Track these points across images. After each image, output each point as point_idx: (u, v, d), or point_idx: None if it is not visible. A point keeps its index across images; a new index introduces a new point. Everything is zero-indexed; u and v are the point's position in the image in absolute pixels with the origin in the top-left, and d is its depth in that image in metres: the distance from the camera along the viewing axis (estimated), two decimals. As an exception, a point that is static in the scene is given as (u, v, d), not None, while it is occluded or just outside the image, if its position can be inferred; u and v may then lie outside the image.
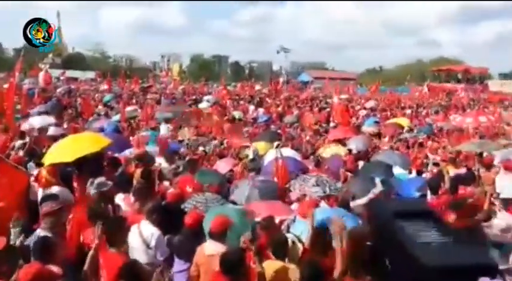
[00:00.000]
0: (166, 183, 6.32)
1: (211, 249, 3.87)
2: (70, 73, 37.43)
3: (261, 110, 21.02)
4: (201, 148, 10.38)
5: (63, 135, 8.34)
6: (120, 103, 18.61)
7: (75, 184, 5.48)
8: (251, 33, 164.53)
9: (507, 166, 7.82)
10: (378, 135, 14.20)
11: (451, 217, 4.96)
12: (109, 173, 5.96)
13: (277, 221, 4.89)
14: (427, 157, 10.22)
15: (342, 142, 11.70)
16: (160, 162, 7.76)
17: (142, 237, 4.16)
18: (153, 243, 4.15)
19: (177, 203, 5.16)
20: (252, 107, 22.28)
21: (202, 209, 5.04)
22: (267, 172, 8.00)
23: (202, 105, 21.59)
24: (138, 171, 6.08)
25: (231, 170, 8.29)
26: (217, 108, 19.55)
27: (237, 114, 18.97)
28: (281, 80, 42.93)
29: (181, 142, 11.51)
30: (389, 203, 1.28)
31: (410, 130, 14.94)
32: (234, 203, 6.11)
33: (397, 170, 8.32)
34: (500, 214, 5.39)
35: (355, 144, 11.16)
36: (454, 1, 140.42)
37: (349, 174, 8.20)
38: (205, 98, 24.56)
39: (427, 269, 0.84)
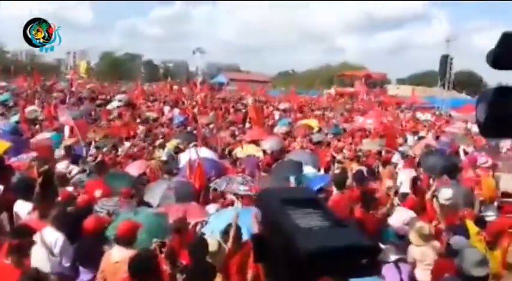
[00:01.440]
0: (69, 188, 5.92)
1: (117, 255, 3.72)
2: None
3: (176, 111, 20.68)
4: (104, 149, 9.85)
5: None
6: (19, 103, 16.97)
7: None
8: (165, 32, 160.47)
9: (408, 163, 8.73)
10: (290, 135, 14.82)
11: (358, 211, 5.39)
12: (5, 179, 5.43)
13: (192, 223, 4.89)
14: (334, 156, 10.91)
15: (256, 142, 12.00)
16: (66, 166, 7.28)
17: (46, 244, 3.86)
18: (57, 249, 3.87)
19: (86, 209, 4.88)
20: (167, 108, 21.82)
21: (112, 214, 4.83)
22: (183, 172, 7.92)
23: (113, 105, 20.59)
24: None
25: (144, 173, 8.03)
26: (127, 108, 18.80)
27: (151, 115, 18.44)
28: (199, 80, 42.68)
29: (89, 144, 10.85)
30: (276, 191, 1.35)
31: (320, 131, 15.83)
32: (148, 206, 5.95)
33: (308, 169, 8.77)
34: (401, 208, 5.97)
35: (269, 144, 11.51)
36: (357, 11, 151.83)
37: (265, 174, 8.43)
38: (117, 97, 23.46)
39: (306, 253, 0.91)
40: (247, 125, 16.91)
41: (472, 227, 5.00)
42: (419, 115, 26.55)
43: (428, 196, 6.00)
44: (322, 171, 9.12)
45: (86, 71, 58.82)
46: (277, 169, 8.81)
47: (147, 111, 19.55)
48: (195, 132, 13.70)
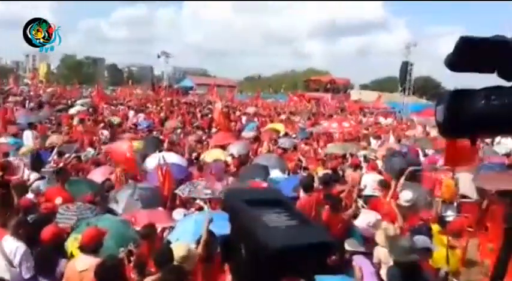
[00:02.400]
0: (30, 195, 5.68)
1: (83, 264, 3.60)
2: None
3: (141, 116, 20.28)
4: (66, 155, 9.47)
5: None
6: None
7: None
8: (129, 35, 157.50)
9: (371, 167, 8.94)
10: (257, 139, 14.85)
11: (325, 213, 5.47)
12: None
13: (159, 229, 4.80)
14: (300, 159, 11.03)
15: (223, 146, 11.97)
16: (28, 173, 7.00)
17: (5, 254, 3.68)
18: (17, 259, 3.69)
19: (47, 218, 4.69)
20: (132, 112, 21.36)
21: (74, 222, 4.68)
22: (152, 178, 7.79)
23: (75, 109, 19.92)
24: None
25: (109, 179, 7.82)
26: (88, 113, 18.26)
27: (115, 119, 17.97)
28: (164, 84, 42.11)
29: (50, 149, 10.43)
30: (243, 192, 1.37)
31: (286, 135, 15.96)
32: (113, 212, 5.80)
33: (275, 173, 8.82)
34: (366, 210, 6.09)
35: (236, 149, 11.51)
36: (322, 17, 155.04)
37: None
38: (79, 102, 22.75)
39: (272, 251, 0.92)
40: (214, 130, 16.82)
41: (436, 227, 5.17)
42: (381, 120, 27.33)
43: (388, 197, 6.15)
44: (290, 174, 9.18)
45: (46, 75, 56.71)
46: (244, 172, 8.82)
47: (111, 116, 19.06)
48: (161, 137, 13.49)
